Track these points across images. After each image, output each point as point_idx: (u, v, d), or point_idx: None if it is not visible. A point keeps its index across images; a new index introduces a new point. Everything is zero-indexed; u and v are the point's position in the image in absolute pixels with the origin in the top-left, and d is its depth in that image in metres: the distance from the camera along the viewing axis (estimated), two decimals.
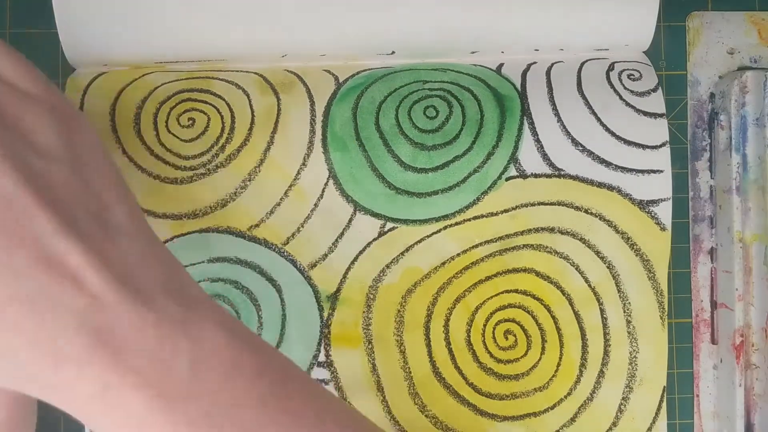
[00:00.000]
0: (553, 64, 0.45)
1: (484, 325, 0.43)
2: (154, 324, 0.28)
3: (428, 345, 0.42)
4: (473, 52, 0.45)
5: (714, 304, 0.46)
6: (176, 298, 0.30)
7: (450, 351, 0.42)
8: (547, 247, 0.43)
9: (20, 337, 0.27)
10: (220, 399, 0.28)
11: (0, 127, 0.29)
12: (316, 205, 0.42)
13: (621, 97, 0.44)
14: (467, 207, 0.43)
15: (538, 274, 0.43)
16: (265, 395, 0.29)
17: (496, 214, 0.43)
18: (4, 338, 0.27)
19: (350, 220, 0.43)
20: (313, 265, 0.42)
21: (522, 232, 0.43)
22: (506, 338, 0.43)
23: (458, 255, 0.43)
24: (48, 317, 0.27)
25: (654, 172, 0.44)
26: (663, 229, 0.44)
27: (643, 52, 0.46)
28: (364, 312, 0.42)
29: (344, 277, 0.42)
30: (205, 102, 0.42)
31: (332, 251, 0.42)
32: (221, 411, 0.28)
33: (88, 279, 0.28)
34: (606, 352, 0.43)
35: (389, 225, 0.43)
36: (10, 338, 0.27)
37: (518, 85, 0.44)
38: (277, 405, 0.30)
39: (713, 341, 0.46)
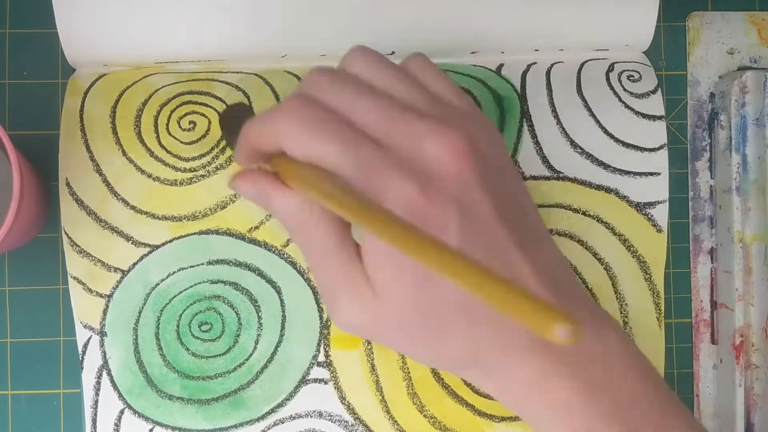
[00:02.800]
0: (553, 65, 0.45)
1: None
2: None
3: None
4: (473, 52, 0.45)
5: (714, 304, 0.46)
6: (584, 301, 0.33)
7: None
8: None
9: (484, 328, 0.31)
10: (621, 395, 0.32)
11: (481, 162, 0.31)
12: None
13: (620, 99, 0.44)
14: None
15: None
16: (648, 393, 0.33)
17: None
18: (474, 330, 0.31)
19: None
20: None
21: None
22: None
23: None
24: None
25: (651, 174, 0.44)
26: (659, 231, 0.44)
27: (643, 52, 0.46)
28: None
29: None
30: (206, 105, 0.42)
31: None
32: (623, 405, 0.32)
33: (530, 286, 0.31)
34: None
35: None
36: (476, 329, 0.31)
37: (518, 87, 0.44)
38: (660, 401, 0.33)
39: (713, 341, 0.46)
